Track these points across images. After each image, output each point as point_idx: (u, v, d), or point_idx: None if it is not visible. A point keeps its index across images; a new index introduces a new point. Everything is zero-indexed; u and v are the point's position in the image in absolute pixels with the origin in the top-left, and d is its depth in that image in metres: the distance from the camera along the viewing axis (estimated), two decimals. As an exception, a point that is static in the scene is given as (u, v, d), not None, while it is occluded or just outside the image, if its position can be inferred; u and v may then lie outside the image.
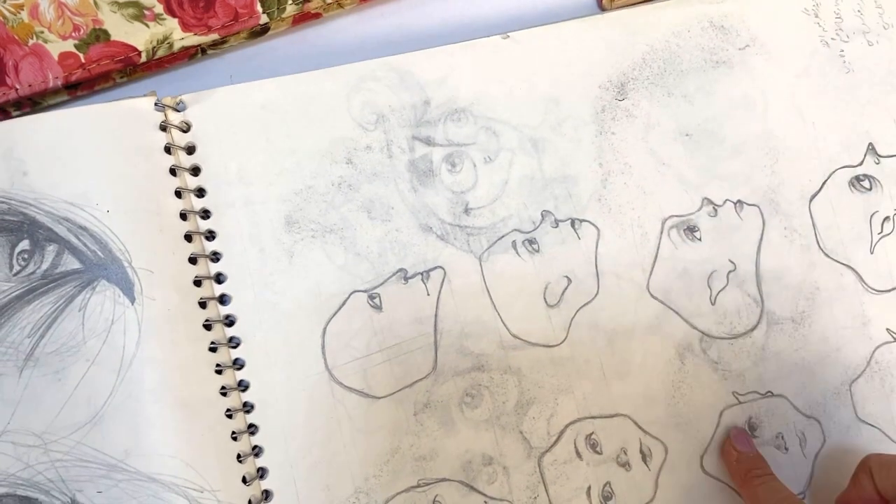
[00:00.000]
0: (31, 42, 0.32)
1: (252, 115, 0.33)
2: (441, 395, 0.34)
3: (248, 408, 0.32)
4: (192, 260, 0.32)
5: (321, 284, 0.34)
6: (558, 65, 0.36)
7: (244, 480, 0.32)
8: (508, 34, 0.35)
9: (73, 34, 0.33)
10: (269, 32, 0.36)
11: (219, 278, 0.33)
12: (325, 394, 0.33)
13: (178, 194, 0.32)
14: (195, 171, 0.33)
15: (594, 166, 0.35)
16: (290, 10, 0.34)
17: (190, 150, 0.33)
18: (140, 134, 0.32)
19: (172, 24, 0.33)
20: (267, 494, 0.32)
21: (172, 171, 0.32)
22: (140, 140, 0.32)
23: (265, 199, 0.33)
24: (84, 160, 0.31)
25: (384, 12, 0.37)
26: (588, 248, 0.35)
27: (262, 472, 0.32)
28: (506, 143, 0.35)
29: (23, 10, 0.32)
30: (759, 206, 0.36)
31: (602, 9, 0.37)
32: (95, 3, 0.32)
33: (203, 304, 0.32)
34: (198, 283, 0.32)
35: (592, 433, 0.34)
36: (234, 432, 0.32)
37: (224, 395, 0.32)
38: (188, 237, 0.32)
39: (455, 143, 0.35)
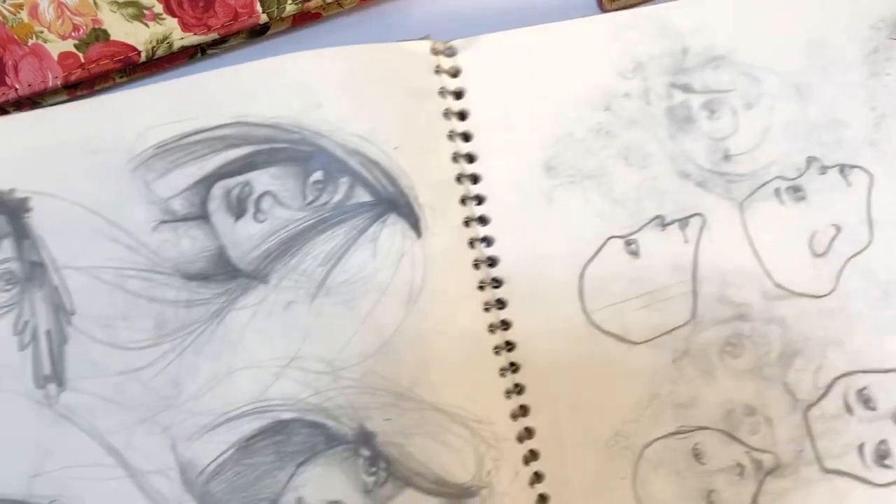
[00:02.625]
0: (30, 42, 0.33)
1: (518, 62, 0.34)
2: (701, 344, 0.33)
3: (510, 347, 0.33)
4: (462, 201, 0.33)
5: (579, 229, 0.34)
6: (822, 6, 0.34)
7: (511, 416, 0.32)
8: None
9: (73, 34, 0.33)
10: (269, 32, 0.36)
11: (483, 220, 0.34)
12: (583, 337, 0.33)
13: (449, 137, 0.34)
14: (462, 115, 0.34)
15: (865, 110, 0.34)
16: (290, 9, 0.34)
17: (458, 94, 0.34)
18: (419, 76, 0.33)
19: (172, 23, 0.33)
20: (529, 432, 0.33)
21: (445, 115, 0.34)
22: (419, 82, 0.33)
23: (527, 144, 0.34)
24: (372, 96, 0.32)
25: (384, 12, 0.37)
26: (859, 196, 0.33)
27: (524, 410, 0.33)
28: (767, 89, 0.34)
29: (22, 9, 0.33)
30: None
31: (602, 10, 0.36)
32: (95, 3, 0.33)
33: (471, 244, 0.33)
34: (465, 223, 0.33)
35: (865, 388, 0.33)
36: (501, 369, 0.32)
37: (491, 332, 0.33)
38: (458, 179, 0.33)
39: (714, 90, 0.34)
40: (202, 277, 0.32)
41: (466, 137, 0.34)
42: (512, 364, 0.33)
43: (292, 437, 0.31)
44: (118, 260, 0.32)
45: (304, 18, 0.36)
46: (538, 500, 0.32)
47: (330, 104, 0.32)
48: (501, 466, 0.31)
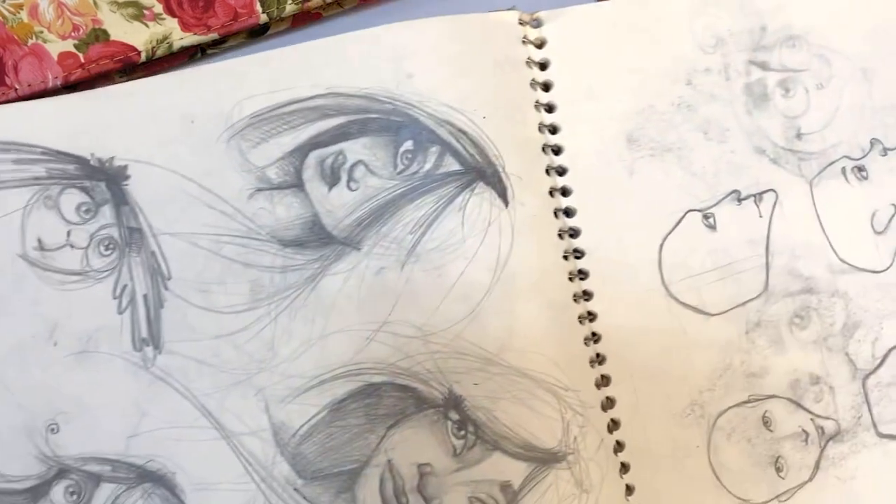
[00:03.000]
0: (30, 42, 0.33)
1: (603, 34, 0.34)
2: (771, 315, 0.35)
3: (592, 317, 0.34)
4: (546, 171, 0.34)
5: (658, 202, 0.35)
6: (886, -3, 0.36)
7: (595, 385, 0.33)
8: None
9: (73, 34, 0.33)
10: (269, 32, 0.36)
11: (564, 192, 0.34)
12: (661, 308, 0.34)
13: (535, 108, 0.34)
14: (546, 86, 0.34)
15: (923, 96, 0.35)
16: (290, 9, 0.34)
17: (543, 66, 0.34)
18: (505, 46, 0.34)
19: (172, 23, 0.33)
20: (611, 401, 0.34)
21: (531, 85, 0.34)
22: (506, 52, 0.33)
23: (610, 116, 0.34)
24: (462, 66, 0.33)
25: (385, 12, 0.37)
26: (917, 178, 0.35)
27: (606, 380, 0.34)
28: (837, 71, 0.35)
29: (22, 9, 0.33)
30: None
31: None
32: (95, 3, 0.33)
33: (555, 214, 0.34)
34: (550, 193, 0.34)
35: (918, 358, 0.35)
36: (585, 338, 0.33)
37: (576, 302, 0.34)
38: (543, 149, 0.34)
39: (789, 69, 0.35)
40: (297, 244, 0.32)
41: (550, 109, 0.34)
42: (594, 334, 0.34)
43: (383, 400, 0.32)
44: (214, 226, 0.32)
45: (304, 18, 0.36)
46: (620, 468, 0.33)
47: (421, 75, 0.33)
48: (587, 434, 0.33)
